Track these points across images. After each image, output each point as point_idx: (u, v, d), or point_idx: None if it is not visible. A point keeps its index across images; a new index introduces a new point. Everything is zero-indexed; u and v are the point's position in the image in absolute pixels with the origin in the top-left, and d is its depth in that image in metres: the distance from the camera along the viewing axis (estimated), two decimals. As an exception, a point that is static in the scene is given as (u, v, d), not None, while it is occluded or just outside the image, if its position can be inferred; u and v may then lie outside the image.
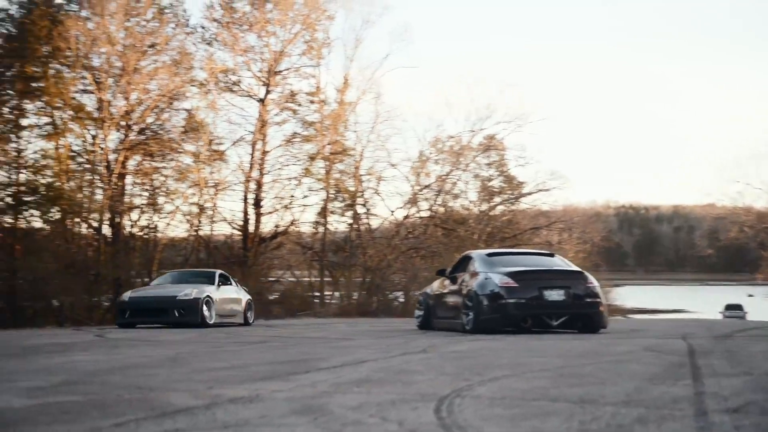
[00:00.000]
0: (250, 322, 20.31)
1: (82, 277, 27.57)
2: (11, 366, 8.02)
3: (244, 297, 20.47)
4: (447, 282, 15.29)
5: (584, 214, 45.05)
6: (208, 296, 18.16)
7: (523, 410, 4.27)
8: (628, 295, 60.67)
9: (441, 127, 39.90)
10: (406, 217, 38.97)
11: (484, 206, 41.45)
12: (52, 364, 7.95)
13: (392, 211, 38.90)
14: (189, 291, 18.17)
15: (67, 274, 26.75)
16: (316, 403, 4.66)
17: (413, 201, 39.32)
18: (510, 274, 13.49)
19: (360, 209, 38.90)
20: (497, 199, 42.17)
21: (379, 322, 21.29)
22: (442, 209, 40.70)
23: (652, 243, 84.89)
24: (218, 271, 20.73)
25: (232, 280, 20.84)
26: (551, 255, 15.56)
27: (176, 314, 17.73)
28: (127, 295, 18.68)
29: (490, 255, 14.99)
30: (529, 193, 41.09)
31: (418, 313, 16.43)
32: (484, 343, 10.68)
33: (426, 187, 39.51)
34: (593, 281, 13.84)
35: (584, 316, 13.58)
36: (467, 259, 15.05)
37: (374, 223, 39.40)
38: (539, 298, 13.37)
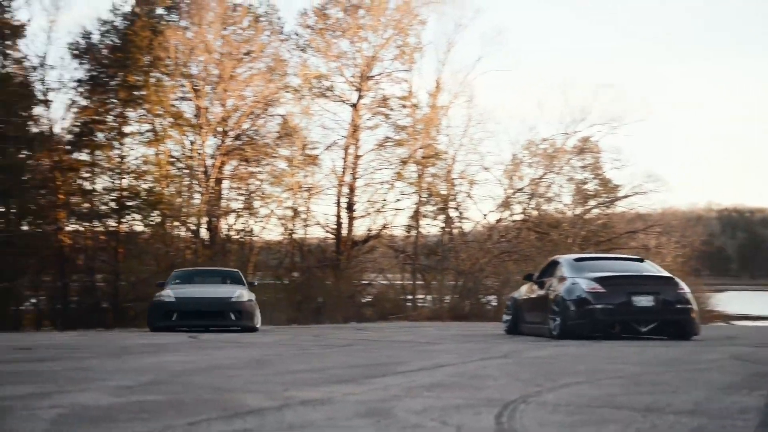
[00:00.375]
0: (258, 326, 17.46)
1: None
2: (107, 365, 8.41)
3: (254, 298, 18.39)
4: (534, 287, 15.27)
5: (683, 218, 43.93)
6: (251, 298, 17.12)
7: (584, 417, 4.32)
8: (732, 301, 59.05)
9: (534, 130, 39.47)
10: (499, 220, 38.80)
11: (579, 210, 40.96)
12: (143, 364, 8.31)
13: (485, 215, 38.78)
14: (240, 292, 16.98)
15: (167, 276, 27.52)
16: (383, 406, 4.80)
17: (506, 204, 39.14)
18: (597, 280, 13.38)
19: (452, 213, 39.03)
20: (592, 203, 41.60)
21: (470, 326, 21.31)
22: (535, 213, 40.42)
23: (758, 247, 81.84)
24: (235, 270, 20.12)
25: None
26: (641, 260, 15.32)
27: (232, 317, 16.46)
28: (170, 295, 16.85)
29: (577, 260, 14.89)
30: (625, 196, 40.36)
31: (505, 317, 16.43)
32: (567, 348, 10.65)
33: (519, 190, 39.26)
34: (684, 287, 13.61)
35: (674, 322, 13.37)
36: (555, 264, 14.98)
37: (467, 226, 39.38)
38: (628, 304, 13.21)
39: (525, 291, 15.83)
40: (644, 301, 13.25)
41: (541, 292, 14.71)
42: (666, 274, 14.21)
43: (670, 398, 5.10)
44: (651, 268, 14.53)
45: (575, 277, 13.74)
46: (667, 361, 8.42)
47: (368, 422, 4.25)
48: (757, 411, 4.57)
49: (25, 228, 25.94)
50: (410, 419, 4.32)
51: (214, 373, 7.39)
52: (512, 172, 39.72)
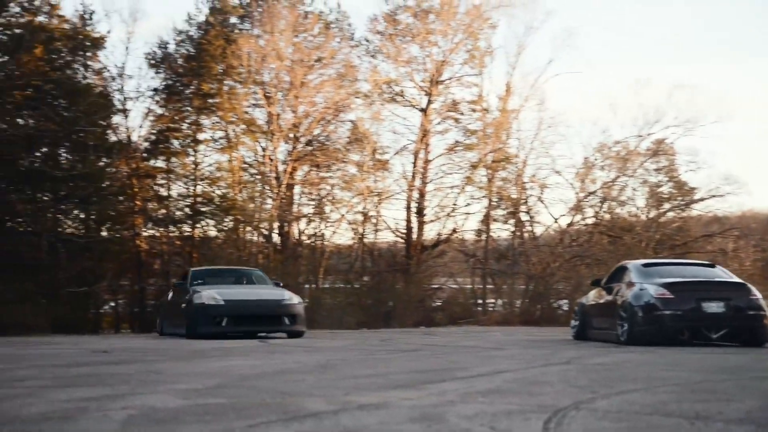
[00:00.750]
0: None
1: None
2: (178, 369, 8.74)
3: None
4: (602, 292, 15.24)
5: (763, 221, 42.89)
6: (300, 300, 16.50)
7: (631, 424, 4.41)
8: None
9: (606, 133, 39.23)
10: (570, 224, 38.55)
11: (653, 213, 40.42)
12: (212, 368, 8.62)
13: (555, 219, 38.60)
14: (288, 294, 16.18)
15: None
16: (436, 411, 4.96)
17: (578, 208, 38.87)
18: (666, 285, 13.32)
19: (523, 216, 38.93)
20: (667, 206, 41.03)
21: (539, 331, 21.31)
22: (607, 216, 40.03)
23: None
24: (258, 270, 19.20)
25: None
26: (712, 266, 15.14)
27: (286, 321, 15.60)
28: (215, 297, 15.45)
29: (646, 265, 14.81)
30: (701, 199, 39.75)
31: (573, 323, 16.42)
32: (631, 355, 10.65)
33: (591, 193, 38.95)
34: (756, 293, 13.44)
35: (746, 329, 13.24)
36: (623, 270, 14.94)
37: (538, 230, 39.22)
38: (697, 310, 13.13)
39: (593, 296, 15.80)
40: (714, 307, 13.15)
41: (609, 298, 14.69)
42: (738, 280, 14.04)
43: (722, 406, 5.14)
44: (722, 273, 14.37)
45: (643, 283, 13.70)
46: (729, 368, 8.39)
47: (419, 427, 4.42)
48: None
49: (104, 234, 26.65)
50: (460, 424, 4.47)
51: (278, 377, 7.62)
52: (584, 176, 39.44)
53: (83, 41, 26.54)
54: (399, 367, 8.82)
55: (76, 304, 23.86)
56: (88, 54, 27.18)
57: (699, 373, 7.83)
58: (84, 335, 21.37)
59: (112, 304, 30.54)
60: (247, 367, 8.74)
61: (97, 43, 27.13)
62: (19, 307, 21.66)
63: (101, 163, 25.51)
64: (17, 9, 24.52)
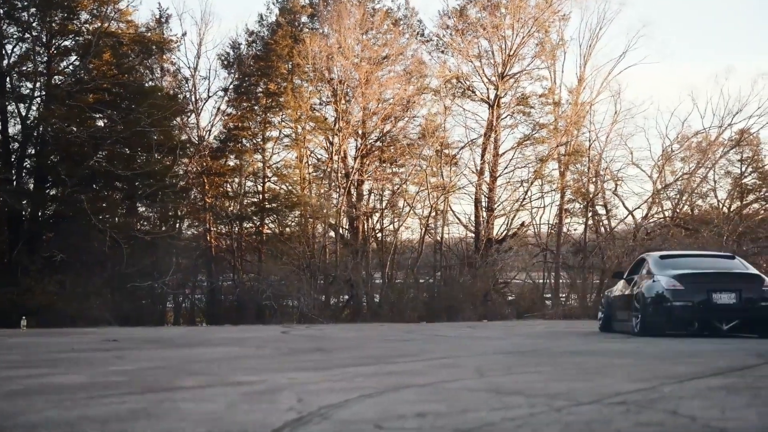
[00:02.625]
0: None
1: (317, 278, 29.60)
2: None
3: None
4: (624, 284, 15.22)
5: None
6: None
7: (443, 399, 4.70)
8: None
9: (686, 123, 38.31)
10: (645, 217, 37.96)
11: (735, 205, 39.42)
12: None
13: (630, 211, 38.03)
14: None
15: (304, 275, 28.87)
16: (302, 389, 5.36)
17: (655, 201, 38.23)
18: (677, 277, 13.25)
19: (599, 210, 38.53)
20: (750, 197, 39.95)
21: (586, 324, 21.20)
22: (687, 209, 39.24)
23: None
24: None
25: None
26: (732, 257, 14.90)
27: None
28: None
29: (663, 257, 14.74)
30: (785, 190, 38.61)
31: (600, 315, 16.43)
32: (631, 345, 10.77)
33: (668, 185, 38.25)
34: (770, 284, 13.21)
35: (757, 320, 13.04)
36: (642, 262, 14.91)
37: (613, 224, 38.72)
38: (707, 302, 13.02)
39: (617, 288, 15.77)
40: (725, 298, 13.02)
41: (629, 290, 14.67)
42: (752, 271, 13.80)
43: (589, 385, 5.34)
44: (740, 265, 14.15)
45: (658, 275, 13.65)
46: (676, 353, 8.45)
47: (252, 405, 4.82)
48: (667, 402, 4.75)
49: (164, 229, 27.72)
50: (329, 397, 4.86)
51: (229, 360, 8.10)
52: (662, 167, 38.74)
53: (150, 44, 27.64)
54: (346, 354, 9.11)
55: (139, 298, 24.89)
56: (156, 56, 28.24)
57: (647, 360, 7.93)
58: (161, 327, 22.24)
59: (181, 298, 31.75)
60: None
61: (165, 46, 28.25)
62: (84, 300, 22.81)
63: (167, 162, 26.50)
64: (87, 16, 25.71)
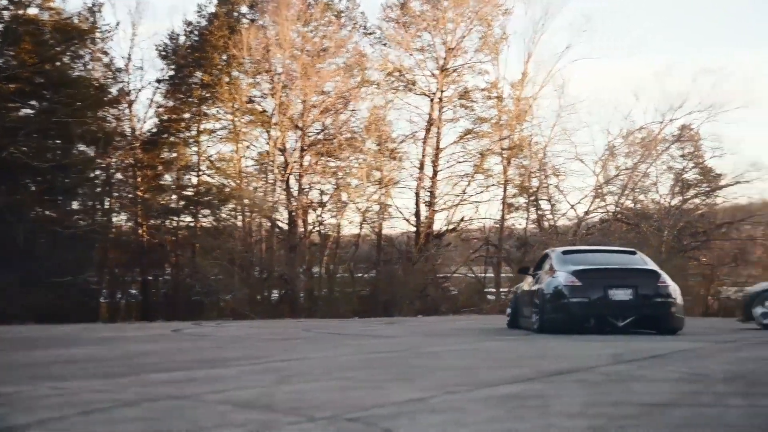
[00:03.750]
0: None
1: (251, 274, 28.99)
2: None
3: None
4: (530, 280, 14.79)
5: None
6: None
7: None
8: None
9: (629, 119, 38.13)
10: (587, 212, 37.76)
11: (676, 200, 39.29)
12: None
13: (572, 206, 37.82)
14: None
15: (235, 270, 28.25)
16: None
17: (597, 195, 38.03)
18: (575, 273, 12.82)
19: (543, 204, 38.30)
20: (691, 192, 39.85)
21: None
22: (629, 203, 39.08)
23: None
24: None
25: None
26: (633, 253, 14.54)
27: None
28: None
29: (566, 252, 14.36)
30: (727, 185, 38.50)
31: (508, 311, 15.99)
32: (512, 343, 10.32)
33: (610, 180, 38.06)
34: (666, 280, 12.79)
35: (653, 317, 12.67)
36: (546, 257, 14.47)
37: (556, 218, 38.46)
38: (604, 298, 12.60)
39: (524, 284, 15.34)
40: (621, 294, 12.61)
41: (533, 286, 14.25)
42: (650, 267, 13.33)
43: (368, 394, 4.84)
44: (640, 260, 13.74)
45: (559, 271, 13.24)
46: (540, 354, 7.99)
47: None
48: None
49: (83, 223, 26.89)
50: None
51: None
52: (605, 162, 38.52)
53: (74, 33, 26.74)
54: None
55: (62, 294, 24.04)
56: (81, 46, 27.36)
57: (490, 360, 7.45)
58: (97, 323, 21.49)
59: (120, 294, 31.00)
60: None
61: (90, 35, 27.38)
62: (-1, 296, 21.98)
63: (94, 154, 25.70)
64: (5, 2, 24.80)
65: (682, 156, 39.83)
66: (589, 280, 12.69)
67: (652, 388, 5.06)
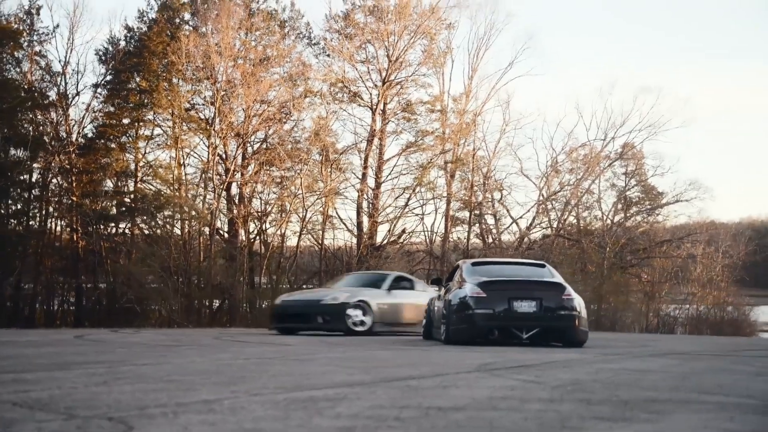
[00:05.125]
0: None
1: (185, 282, 28.64)
2: None
3: None
4: (442, 291, 14.69)
5: (728, 229, 41.93)
6: (361, 301, 16.06)
7: None
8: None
9: (572, 135, 38.47)
10: (529, 227, 37.96)
11: (618, 217, 39.65)
12: None
13: (515, 220, 38.02)
14: (338, 295, 16.32)
15: (170, 278, 27.87)
16: None
17: (540, 210, 38.22)
18: (481, 284, 12.72)
19: (489, 218, 38.43)
20: (633, 210, 40.25)
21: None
22: (572, 219, 39.34)
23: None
24: (394, 273, 18.54)
25: (418, 283, 18.40)
26: (542, 265, 14.48)
27: (320, 320, 16.02)
28: (280, 299, 17.65)
29: (475, 264, 14.22)
30: (667, 204, 38.96)
31: (424, 321, 15.87)
32: (389, 352, 10.13)
33: (552, 196, 38.28)
34: (571, 293, 12.72)
35: (556, 329, 12.61)
36: (456, 268, 14.39)
37: (499, 232, 38.58)
38: (508, 310, 12.50)
39: (438, 296, 15.23)
40: (525, 306, 12.51)
41: (443, 297, 14.15)
42: (555, 280, 13.23)
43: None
44: (547, 273, 13.67)
45: (467, 282, 13.15)
46: (377, 366, 7.83)
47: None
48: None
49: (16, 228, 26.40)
50: None
51: None
52: (549, 178, 38.72)
53: (7, 34, 26.32)
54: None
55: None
56: (12, 47, 26.93)
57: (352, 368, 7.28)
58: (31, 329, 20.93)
59: (59, 300, 30.51)
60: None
61: (20, 37, 26.96)
62: None
63: (20, 156, 25.23)
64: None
65: (625, 174, 40.31)
66: (494, 291, 12.59)
67: (470, 392, 4.93)
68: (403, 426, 3.52)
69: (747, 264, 39.45)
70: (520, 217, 37.93)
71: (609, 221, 39.49)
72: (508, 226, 38.45)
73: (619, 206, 40.02)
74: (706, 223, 38.91)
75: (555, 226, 38.52)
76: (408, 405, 4.21)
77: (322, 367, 7.35)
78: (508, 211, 38.47)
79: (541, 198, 38.34)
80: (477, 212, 37.92)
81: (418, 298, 16.99)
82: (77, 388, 5.07)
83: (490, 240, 38.36)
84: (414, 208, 35.94)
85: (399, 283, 17.51)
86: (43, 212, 29.00)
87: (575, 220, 39.47)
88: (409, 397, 4.63)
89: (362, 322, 15.92)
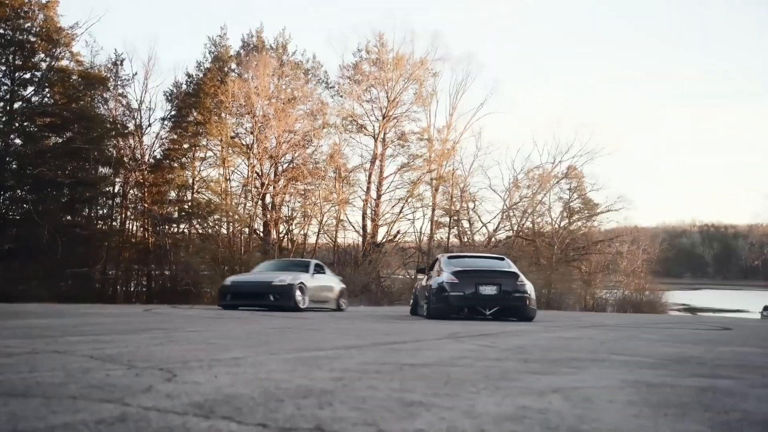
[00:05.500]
0: (343, 308, 17.07)
1: (229, 270, 28.58)
2: None
3: (338, 285, 17.30)
4: (425, 277, 14.75)
5: (647, 232, 41.95)
6: (301, 283, 15.40)
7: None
8: (705, 297, 55.86)
9: (529, 159, 38.63)
10: (495, 230, 38.00)
11: (564, 222, 39.69)
12: None
13: (484, 224, 38.03)
14: (284, 278, 15.54)
15: (218, 267, 27.87)
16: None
17: (503, 217, 38.29)
18: (455, 273, 12.78)
19: (464, 223, 38.49)
20: (576, 217, 40.29)
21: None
22: (529, 224, 39.38)
23: (730, 255, 77.26)
24: (314, 261, 17.68)
25: (326, 269, 17.88)
26: (502, 258, 14.53)
27: (271, 298, 15.13)
28: (229, 280, 16.26)
29: (450, 257, 14.26)
30: (601, 212, 39.02)
31: (411, 301, 15.91)
32: (384, 324, 10.15)
33: (513, 206, 38.33)
34: (523, 280, 12.77)
35: (512, 308, 12.65)
36: (437, 260, 14.44)
37: (473, 234, 38.63)
38: (475, 293, 12.57)
39: (422, 281, 15.28)
40: (488, 290, 12.56)
41: (426, 282, 14.20)
42: (510, 269, 13.27)
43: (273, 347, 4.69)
44: (506, 265, 13.72)
45: (444, 271, 13.20)
46: (372, 334, 7.87)
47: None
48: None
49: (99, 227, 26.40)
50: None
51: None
52: (511, 192, 38.82)
53: (95, 80, 26.42)
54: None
55: (81, 282, 23.55)
56: (99, 89, 27.03)
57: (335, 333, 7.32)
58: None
59: (134, 283, 30.45)
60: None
61: (106, 82, 27.07)
62: (26, 282, 21.50)
63: (105, 174, 25.28)
64: (42, 55, 24.42)
65: (569, 189, 40.42)
66: (464, 278, 12.64)
67: (438, 353, 4.98)
68: (381, 376, 3.57)
69: (660, 259, 39.40)
70: (489, 222, 37.94)
71: (557, 225, 39.49)
72: (479, 229, 38.42)
73: (565, 214, 40.04)
74: (631, 227, 38.94)
75: (515, 229, 38.52)
76: (388, 362, 4.27)
77: (328, 335, 7.38)
78: (479, 217, 38.62)
79: (504, 207, 38.40)
80: (456, 218, 37.96)
81: (329, 282, 16.76)
82: (139, 348, 5.11)
83: (466, 239, 38.35)
84: (407, 214, 36.13)
85: (318, 270, 16.93)
86: (123, 216, 28.92)
87: (531, 225, 39.49)
88: (390, 356, 4.68)
89: (303, 300, 15.24)
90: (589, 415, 2.67)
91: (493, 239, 37.86)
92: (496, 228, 37.97)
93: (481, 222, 38.47)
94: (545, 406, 2.83)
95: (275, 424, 2.26)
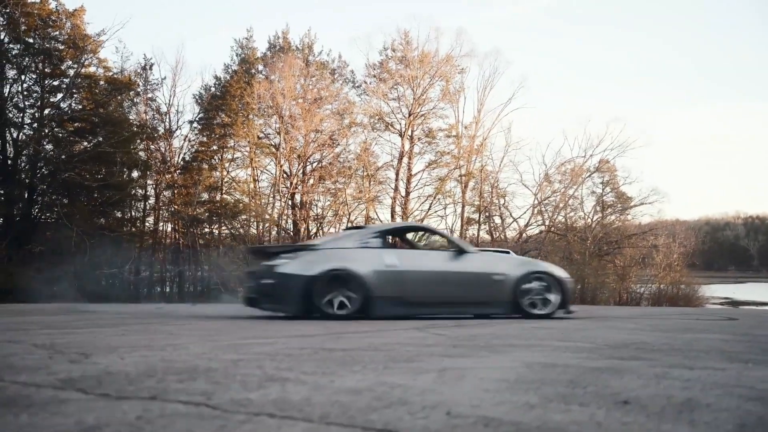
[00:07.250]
0: None
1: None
2: None
3: None
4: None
5: (686, 225, 41.23)
6: None
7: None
8: (750, 290, 54.48)
9: (560, 153, 38.31)
10: (527, 225, 37.79)
11: (597, 217, 39.26)
12: None
13: (515, 219, 37.86)
14: None
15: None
16: None
17: (534, 212, 38.03)
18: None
19: (496, 219, 38.37)
20: (609, 211, 39.81)
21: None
22: (561, 219, 39.05)
23: (775, 248, 75.86)
24: None
25: None
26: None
27: None
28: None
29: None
30: (634, 206, 38.48)
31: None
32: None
33: (544, 201, 38.06)
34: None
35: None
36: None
37: (504, 230, 38.47)
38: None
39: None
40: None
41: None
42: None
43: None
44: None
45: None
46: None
47: None
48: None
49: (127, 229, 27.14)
50: None
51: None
52: (542, 187, 38.55)
53: (122, 85, 27.18)
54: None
55: (111, 282, 24.32)
56: (125, 94, 27.78)
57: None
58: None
59: (167, 283, 31.19)
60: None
61: (132, 87, 27.80)
62: (57, 283, 22.26)
63: (133, 176, 26.02)
64: (70, 62, 25.25)
65: (602, 183, 39.93)
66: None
67: (393, 339, 5.17)
68: (284, 359, 3.78)
69: (699, 252, 38.71)
70: (520, 217, 37.74)
71: (589, 220, 39.10)
72: (510, 224, 38.25)
73: (597, 208, 39.60)
74: (668, 220, 38.35)
75: (547, 224, 38.23)
76: (309, 347, 4.47)
77: (299, 325, 7.60)
78: (510, 212, 38.42)
79: (536, 202, 38.11)
80: (486, 214, 37.85)
81: None
82: (96, 338, 5.41)
83: (497, 235, 38.23)
84: (437, 211, 36.12)
85: None
86: (155, 217, 29.69)
87: (563, 219, 39.15)
88: (323, 343, 4.89)
89: None
90: (437, 389, 2.82)
91: (524, 235, 37.67)
92: (528, 223, 37.76)
93: (512, 217, 38.33)
94: (406, 382, 2.99)
95: (116, 394, 2.49)
